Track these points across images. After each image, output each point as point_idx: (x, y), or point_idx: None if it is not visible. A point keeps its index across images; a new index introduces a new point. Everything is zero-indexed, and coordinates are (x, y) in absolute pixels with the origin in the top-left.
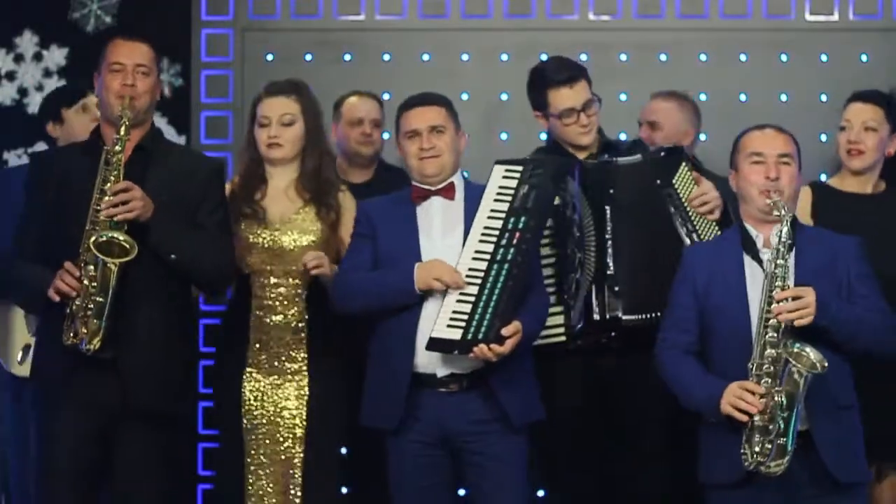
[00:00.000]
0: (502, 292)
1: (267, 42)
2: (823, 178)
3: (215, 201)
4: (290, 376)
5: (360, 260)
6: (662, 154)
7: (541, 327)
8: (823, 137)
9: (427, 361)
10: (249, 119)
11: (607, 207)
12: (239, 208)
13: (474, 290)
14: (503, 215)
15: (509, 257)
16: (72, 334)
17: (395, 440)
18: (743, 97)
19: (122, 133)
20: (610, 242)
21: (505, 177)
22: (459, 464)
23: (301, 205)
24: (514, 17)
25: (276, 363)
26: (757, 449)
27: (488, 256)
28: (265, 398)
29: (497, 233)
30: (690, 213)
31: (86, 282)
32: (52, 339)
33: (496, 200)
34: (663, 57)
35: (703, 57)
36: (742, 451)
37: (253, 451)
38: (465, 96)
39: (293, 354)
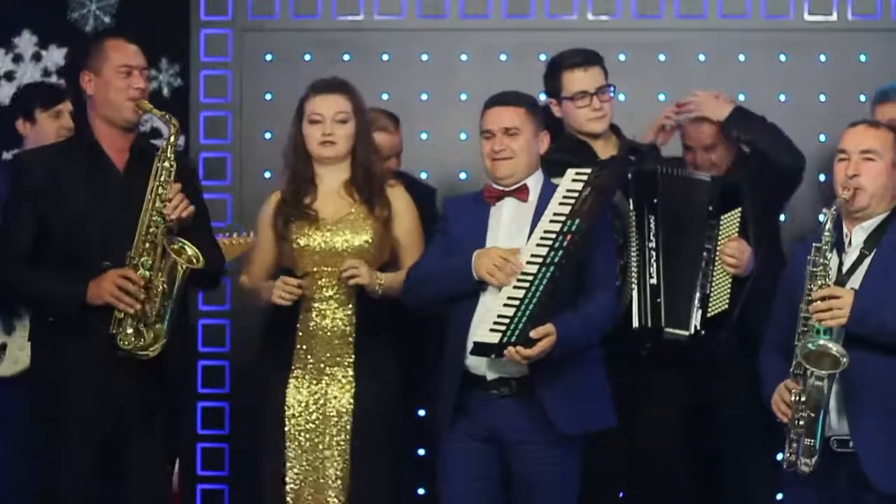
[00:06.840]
0: (541, 295)
1: (266, 42)
2: (822, 178)
3: (200, 199)
4: (336, 380)
5: (434, 254)
6: (729, 187)
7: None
8: (822, 137)
9: (477, 363)
10: (296, 118)
11: (651, 216)
12: (289, 212)
13: (521, 293)
14: (563, 218)
15: (556, 260)
16: (132, 339)
17: (444, 437)
18: (742, 97)
19: (172, 138)
20: (653, 252)
21: (574, 180)
22: (506, 467)
23: (353, 204)
24: (513, 18)
25: (322, 366)
26: (792, 447)
27: (540, 260)
28: (310, 403)
29: (553, 236)
30: (716, 257)
31: (155, 286)
32: (68, 341)
33: (561, 204)
34: (662, 57)
35: (701, 57)
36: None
37: (294, 457)
38: (463, 96)
39: (340, 359)
